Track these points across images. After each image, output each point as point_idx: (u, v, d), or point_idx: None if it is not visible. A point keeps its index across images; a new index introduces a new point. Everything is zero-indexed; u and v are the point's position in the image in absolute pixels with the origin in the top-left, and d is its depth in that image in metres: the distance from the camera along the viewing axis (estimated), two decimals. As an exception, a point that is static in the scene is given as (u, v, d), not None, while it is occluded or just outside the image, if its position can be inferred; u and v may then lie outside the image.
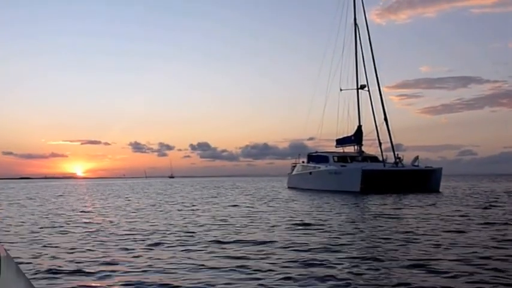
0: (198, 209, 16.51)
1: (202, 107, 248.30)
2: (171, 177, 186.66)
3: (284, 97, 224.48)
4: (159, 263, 6.37)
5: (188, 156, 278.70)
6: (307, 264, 6.21)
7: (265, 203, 19.77)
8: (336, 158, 33.26)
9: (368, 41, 32.02)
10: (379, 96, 31.50)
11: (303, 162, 37.28)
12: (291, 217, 12.85)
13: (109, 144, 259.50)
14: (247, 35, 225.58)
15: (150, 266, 6.22)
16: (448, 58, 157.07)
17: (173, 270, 5.91)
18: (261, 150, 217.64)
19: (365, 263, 6.24)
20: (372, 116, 31.53)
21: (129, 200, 23.58)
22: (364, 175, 27.01)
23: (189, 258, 6.76)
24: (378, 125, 31.13)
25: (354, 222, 11.44)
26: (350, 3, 34.48)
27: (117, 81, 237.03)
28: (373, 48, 32.32)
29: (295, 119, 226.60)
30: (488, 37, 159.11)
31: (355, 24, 34.16)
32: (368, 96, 32.37)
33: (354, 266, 6.05)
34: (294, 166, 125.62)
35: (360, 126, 33.37)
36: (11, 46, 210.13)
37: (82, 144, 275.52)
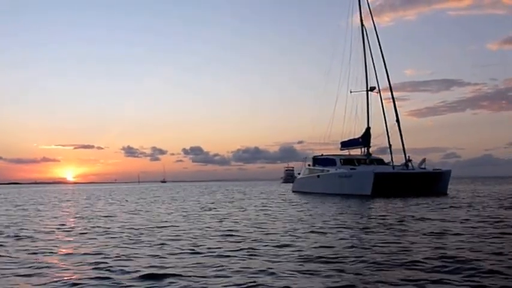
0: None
1: (195, 111, 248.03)
2: (163, 181, 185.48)
3: (275, 101, 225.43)
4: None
5: (181, 160, 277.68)
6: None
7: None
8: (343, 161, 33.19)
9: (377, 43, 31.99)
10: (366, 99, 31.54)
11: (309, 165, 37.11)
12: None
13: (102, 148, 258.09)
14: (239, 40, 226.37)
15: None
16: (430, 61, 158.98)
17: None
18: (252, 154, 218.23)
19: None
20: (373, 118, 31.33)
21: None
22: (376, 178, 26.93)
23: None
24: (388, 126, 31.10)
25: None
26: (355, 5, 34.56)
27: (111, 86, 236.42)
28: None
29: (285, 122, 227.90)
30: (466, 39, 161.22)
31: (362, 25, 34.23)
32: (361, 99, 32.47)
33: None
34: (287, 170, 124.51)
35: (368, 128, 33.31)
36: (3, 53, 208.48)
37: (75, 148, 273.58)
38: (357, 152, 35.47)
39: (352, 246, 7.83)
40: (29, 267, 6.52)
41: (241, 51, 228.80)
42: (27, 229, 11.66)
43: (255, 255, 7.14)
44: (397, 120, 30.44)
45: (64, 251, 7.93)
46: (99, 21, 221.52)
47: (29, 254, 7.64)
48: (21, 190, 77.31)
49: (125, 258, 7.04)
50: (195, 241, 8.75)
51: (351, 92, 34.67)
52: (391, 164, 29.91)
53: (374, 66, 32.72)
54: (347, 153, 35.71)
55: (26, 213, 18.52)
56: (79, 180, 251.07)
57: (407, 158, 29.26)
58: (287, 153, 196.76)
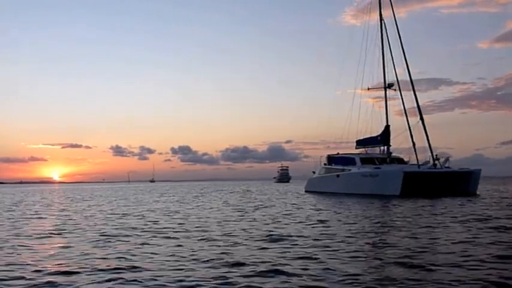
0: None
1: (183, 110, 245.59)
2: (152, 181, 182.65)
3: (263, 100, 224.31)
4: None
5: (169, 160, 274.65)
6: None
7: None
8: (362, 160, 31.77)
9: (398, 38, 30.57)
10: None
11: (325, 164, 35.58)
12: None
13: (90, 147, 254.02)
14: (227, 39, 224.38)
15: None
16: (420, 59, 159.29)
17: None
18: (240, 154, 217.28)
19: None
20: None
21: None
22: (406, 177, 25.60)
23: None
24: (410, 124, 29.67)
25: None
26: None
27: (99, 85, 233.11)
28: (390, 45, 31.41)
29: (273, 122, 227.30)
30: (456, 38, 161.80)
31: (381, 20, 32.84)
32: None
33: None
34: (282, 169, 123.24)
35: (387, 126, 31.98)
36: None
37: (63, 147, 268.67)
38: (373, 151, 34.24)
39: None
40: None
41: (230, 51, 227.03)
42: None
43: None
44: (421, 118, 29.06)
45: None
46: (88, 21, 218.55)
47: None
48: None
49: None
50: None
51: (368, 88, 33.40)
52: (417, 163, 28.50)
53: (393, 62, 31.35)
54: (364, 152, 34.36)
55: None
56: (66, 179, 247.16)
57: (434, 156, 27.90)
58: (275, 152, 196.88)
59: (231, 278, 5.55)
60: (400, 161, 31.66)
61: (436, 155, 27.89)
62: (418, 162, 28.69)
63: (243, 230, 10.63)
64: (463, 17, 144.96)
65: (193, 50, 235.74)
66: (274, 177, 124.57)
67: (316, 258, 6.71)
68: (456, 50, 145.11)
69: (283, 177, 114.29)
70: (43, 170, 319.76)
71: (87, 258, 7.04)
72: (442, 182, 26.81)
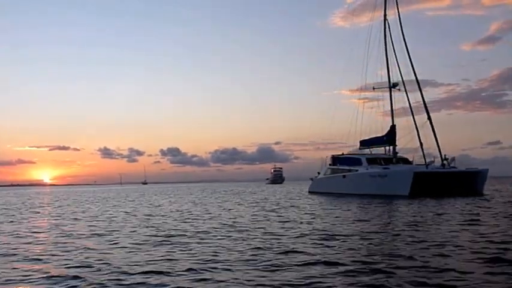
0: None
1: (172, 112, 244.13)
2: (145, 183, 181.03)
3: (252, 101, 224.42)
4: None
5: (158, 161, 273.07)
6: None
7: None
8: (368, 160, 31.70)
9: (402, 37, 30.62)
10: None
11: (330, 165, 35.45)
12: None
13: (78, 150, 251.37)
14: (216, 39, 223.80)
15: None
16: (405, 61, 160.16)
17: None
18: (230, 155, 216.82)
19: None
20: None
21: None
22: (416, 177, 25.57)
23: None
24: (417, 124, 29.72)
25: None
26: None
27: (87, 87, 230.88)
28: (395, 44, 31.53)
29: (262, 123, 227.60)
30: (441, 40, 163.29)
31: (385, 19, 32.87)
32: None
33: None
34: (276, 171, 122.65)
35: (393, 126, 31.97)
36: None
37: (50, 150, 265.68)
38: (376, 151, 34.27)
39: None
40: None
41: (219, 52, 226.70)
42: None
43: None
44: (429, 118, 29.12)
45: None
46: (75, 23, 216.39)
47: None
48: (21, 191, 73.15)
49: None
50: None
51: (373, 88, 33.40)
52: (425, 163, 28.49)
53: (397, 62, 31.41)
54: (368, 152, 34.34)
55: None
56: (56, 182, 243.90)
57: (443, 156, 27.94)
58: (265, 153, 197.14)
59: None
60: (405, 161, 31.67)
61: (445, 155, 27.97)
62: (426, 162, 28.70)
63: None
64: (449, 20, 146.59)
65: (182, 51, 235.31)
66: (267, 179, 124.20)
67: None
68: (441, 51, 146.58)
69: (277, 178, 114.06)
70: (32, 172, 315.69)
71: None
72: (451, 182, 26.84)
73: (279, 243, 8.65)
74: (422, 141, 28.90)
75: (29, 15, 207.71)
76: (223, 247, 8.31)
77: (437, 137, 28.79)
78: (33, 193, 69.39)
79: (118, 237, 10.28)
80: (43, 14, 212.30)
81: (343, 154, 34.94)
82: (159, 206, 23.89)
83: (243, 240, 9.22)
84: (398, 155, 32.20)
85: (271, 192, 42.25)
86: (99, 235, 10.90)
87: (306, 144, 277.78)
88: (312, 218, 13.89)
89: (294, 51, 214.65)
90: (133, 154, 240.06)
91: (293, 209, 18.62)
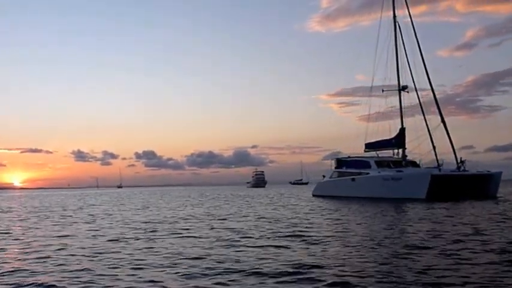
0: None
1: (148, 114, 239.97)
2: (120, 187, 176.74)
3: (228, 104, 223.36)
4: None
5: (133, 165, 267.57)
6: None
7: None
8: (377, 163, 31.12)
9: (415, 39, 30.28)
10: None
11: (336, 168, 34.69)
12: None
13: (51, 152, 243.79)
14: (192, 42, 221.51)
15: None
16: (382, 66, 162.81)
17: None
18: (206, 159, 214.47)
19: None
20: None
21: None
22: (433, 180, 25.10)
23: None
24: (430, 127, 29.45)
25: None
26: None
27: (60, 88, 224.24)
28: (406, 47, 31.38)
29: (239, 126, 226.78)
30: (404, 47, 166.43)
31: (395, 20, 32.51)
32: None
33: None
34: (257, 175, 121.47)
35: (403, 129, 31.54)
36: None
37: (22, 152, 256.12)
38: (382, 154, 33.83)
39: None
40: None
41: (193, 54, 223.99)
42: None
43: None
44: (443, 121, 28.78)
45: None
46: (48, 23, 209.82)
47: None
48: None
49: None
50: None
51: (383, 91, 32.95)
52: (438, 166, 28.15)
53: (409, 64, 31.13)
54: (375, 155, 33.77)
55: None
56: (27, 185, 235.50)
57: (459, 159, 27.61)
58: (241, 157, 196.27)
59: None
60: (414, 164, 31.24)
61: (461, 158, 27.64)
62: (438, 165, 28.37)
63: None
64: (425, 26, 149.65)
65: (158, 53, 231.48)
66: (248, 182, 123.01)
67: None
68: (418, 57, 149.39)
69: (260, 182, 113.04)
70: (1, 176, 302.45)
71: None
72: (466, 185, 26.54)
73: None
74: (419, 143, 28.92)
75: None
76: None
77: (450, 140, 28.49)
78: None
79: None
80: (12, 15, 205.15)
81: (349, 157, 34.28)
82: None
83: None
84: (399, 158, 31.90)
85: (274, 197, 41.15)
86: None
87: (282, 148, 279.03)
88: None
89: (271, 55, 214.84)
90: (108, 157, 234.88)
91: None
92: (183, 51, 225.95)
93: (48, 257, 7.82)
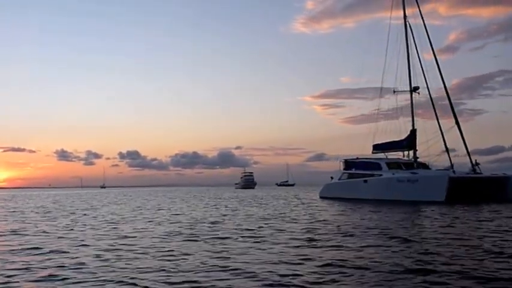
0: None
1: (132, 114, 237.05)
2: (103, 187, 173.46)
3: (213, 105, 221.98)
4: None
5: (116, 165, 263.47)
6: None
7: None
8: (388, 165, 30.63)
9: (428, 39, 29.96)
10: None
11: (345, 169, 34.08)
12: None
13: (34, 151, 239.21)
14: (177, 42, 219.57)
15: None
16: (367, 68, 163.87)
17: None
18: (190, 159, 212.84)
19: None
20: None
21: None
22: (451, 183, 24.70)
23: None
24: (443, 129, 29.12)
25: None
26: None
27: (44, 87, 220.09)
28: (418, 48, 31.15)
29: (223, 127, 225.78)
30: (403, 49, 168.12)
31: (405, 20, 32.15)
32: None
33: None
34: (246, 176, 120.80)
35: (414, 130, 31.16)
36: None
37: (4, 151, 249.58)
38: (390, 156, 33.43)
39: None
40: None
41: (177, 54, 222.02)
42: None
43: None
44: (457, 122, 28.43)
45: None
46: (31, 22, 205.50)
47: None
48: None
49: None
50: None
51: (394, 92, 32.57)
52: (452, 168, 27.80)
53: (422, 65, 30.87)
54: (384, 157, 33.31)
55: None
56: (5, 185, 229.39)
57: (474, 162, 27.27)
58: (225, 158, 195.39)
59: None
60: (424, 166, 30.87)
61: (476, 160, 27.31)
62: (452, 167, 28.03)
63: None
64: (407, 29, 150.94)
65: (142, 53, 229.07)
66: (237, 183, 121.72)
67: None
68: (403, 60, 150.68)
69: (249, 183, 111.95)
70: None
71: None
72: (483, 188, 26.20)
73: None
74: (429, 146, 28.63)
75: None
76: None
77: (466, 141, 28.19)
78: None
79: None
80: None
81: (357, 158, 33.74)
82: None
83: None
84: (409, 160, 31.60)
85: (287, 198, 40.33)
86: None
87: (265, 149, 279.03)
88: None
89: (256, 56, 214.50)
90: (91, 157, 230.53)
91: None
92: (166, 51, 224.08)
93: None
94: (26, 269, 6.84)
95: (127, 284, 5.72)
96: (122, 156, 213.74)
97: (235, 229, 12.33)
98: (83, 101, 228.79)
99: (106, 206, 27.70)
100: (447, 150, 28.56)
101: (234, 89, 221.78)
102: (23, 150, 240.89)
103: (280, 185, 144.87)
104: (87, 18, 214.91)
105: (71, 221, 16.07)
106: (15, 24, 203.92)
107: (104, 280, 5.95)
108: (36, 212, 22.46)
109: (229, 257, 7.56)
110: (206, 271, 6.43)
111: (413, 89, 31.45)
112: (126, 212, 21.33)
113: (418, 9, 30.70)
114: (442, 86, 29.54)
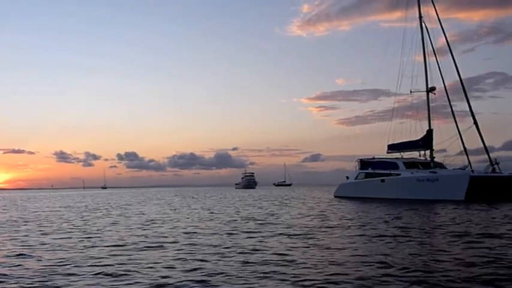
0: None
1: (130, 116, 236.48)
2: (104, 187, 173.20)
3: (210, 107, 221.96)
4: None
5: (115, 166, 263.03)
6: None
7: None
8: (406, 164, 31.01)
9: (445, 38, 30.34)
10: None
11: (361, 169, 34.41)
12: None
13: (33, 153, 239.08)
14: (173, 43, 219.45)
15: None
16: (361, 70, 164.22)
17: None
18: (187, 160, 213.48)
19: None
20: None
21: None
22: (471, 182, 25.12)
23: None
24: (460, 129, 29.51)
25: None
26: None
27: (43, 89, 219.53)
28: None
29: (220, 128, 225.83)
30: (396, 51, 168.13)
31: (420, 19, 32.52)
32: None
33: None
34: (247, 176, 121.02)
35: (430, 130, 31.54)
36: None
37: (4, 153, 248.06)
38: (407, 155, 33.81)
39: None
40: None
41: (174, 56, 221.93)
42: None
43: None
44: (475, 122, 28.79)
45: None
46: (30, 25, 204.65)
47: None
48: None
49: None
50: None
51: (411, 92, 32.98)
52: (470, 167, 28.17)
53: (438, 65, 31.14)
54: (399, 156, 33.68)
55: None
56: (7, 186, 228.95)
57: (494, 161, 27.64)
58: (222, 159, 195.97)
59: None
60: (440, 165, 31.25)
61: (495, 159, 27.67)
62: (471, 166, 28.41)
63: None
64: (402, 31, 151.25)
65: (139, 54, 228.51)
66: (237, 184, 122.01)
67: None
68: (395, 62, 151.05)
69: (250, 183, 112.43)
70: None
71: None
72: (503, 187, 26.52)
73: None
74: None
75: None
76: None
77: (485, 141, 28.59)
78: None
79: None
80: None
81: (373, 158, 34.11)
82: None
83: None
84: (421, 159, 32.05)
85: (303, 200, 40.61)
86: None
87: (261, 150, 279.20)
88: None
89: (253, 58, 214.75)
90: (90, 158, 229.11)
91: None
92: (163, 53, 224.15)
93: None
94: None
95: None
96: (120, 157, 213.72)
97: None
98: (81, 103, 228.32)
99: (155, 205, 28.18)
100: (465, 150, 28.98)
101: (230, 90, 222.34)
102: (23, 151, 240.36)
103: (277, 185, 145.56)
104: (87, 21, 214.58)
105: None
106: (14, 28, 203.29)
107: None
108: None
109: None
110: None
111: (430, 90, 31.78)
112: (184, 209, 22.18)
113: (434, 10, 30.95)
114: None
